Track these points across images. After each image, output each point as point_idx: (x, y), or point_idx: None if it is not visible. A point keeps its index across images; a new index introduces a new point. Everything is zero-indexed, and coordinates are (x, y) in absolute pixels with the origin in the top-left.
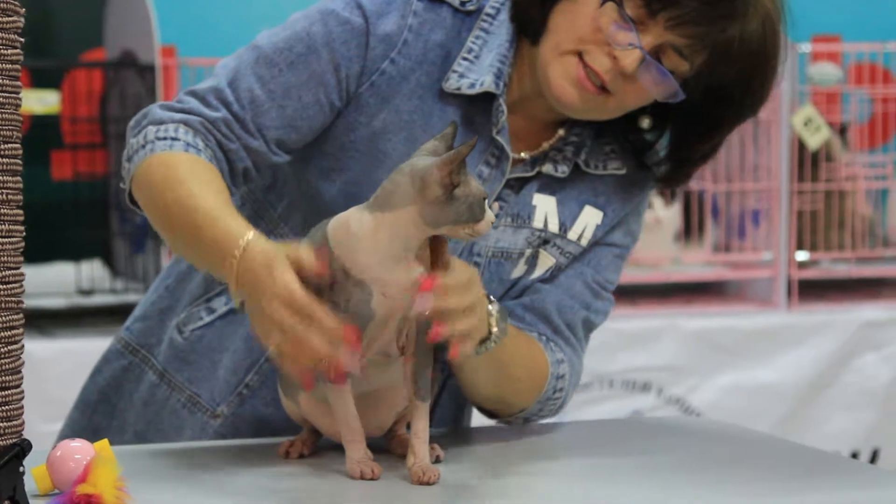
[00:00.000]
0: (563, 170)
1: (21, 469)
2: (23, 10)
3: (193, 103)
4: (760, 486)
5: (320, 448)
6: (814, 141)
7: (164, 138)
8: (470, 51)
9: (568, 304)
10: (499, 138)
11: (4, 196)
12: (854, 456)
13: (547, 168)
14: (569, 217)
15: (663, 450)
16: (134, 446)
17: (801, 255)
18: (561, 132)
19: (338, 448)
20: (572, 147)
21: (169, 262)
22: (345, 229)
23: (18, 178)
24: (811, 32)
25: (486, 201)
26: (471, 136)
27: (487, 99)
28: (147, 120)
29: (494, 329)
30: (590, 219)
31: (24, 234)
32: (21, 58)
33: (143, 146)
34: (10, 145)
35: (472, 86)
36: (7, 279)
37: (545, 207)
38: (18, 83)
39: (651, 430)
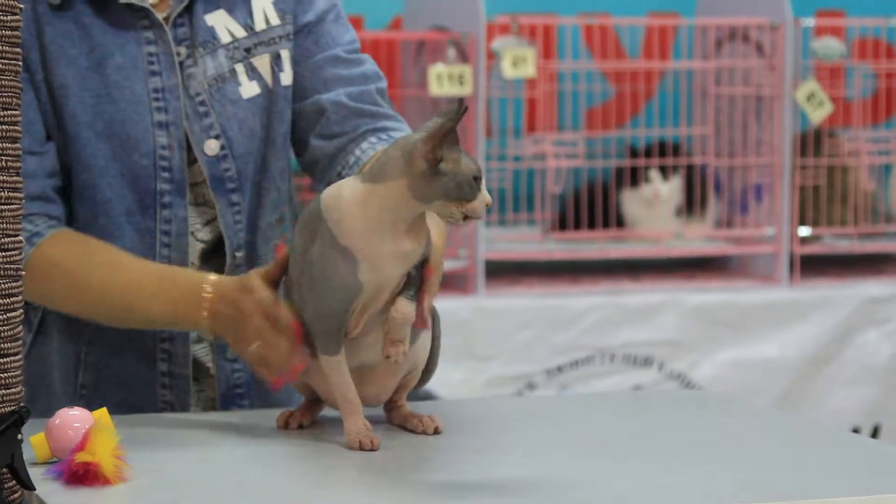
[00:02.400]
0: None
1: (19, 437)
2: None
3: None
4: (761, 458)
5: (319, 419)
6: (816, 116)
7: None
8: None
9: (355, 91)
10: None
11: (3, 163)
12: (855, 432)
13: None
14: (242, 15)
15: (665, 422)
16: (132, 415)
17: (804, 231)
18: None
19: (336, 419)
20: None
21: None
22: (336, 196)
23: (17, 146)
24: (815, 7)
25: (482, 181)
26: (119, 27)
27: None
28: None
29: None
30: (262, 2)
31: (24, 202)
32: (20, 24)
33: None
34: (8, 112)
35: None
36: (6, 246)
37: (220, 22)
38: (18, 50)
39: (653, 403)
